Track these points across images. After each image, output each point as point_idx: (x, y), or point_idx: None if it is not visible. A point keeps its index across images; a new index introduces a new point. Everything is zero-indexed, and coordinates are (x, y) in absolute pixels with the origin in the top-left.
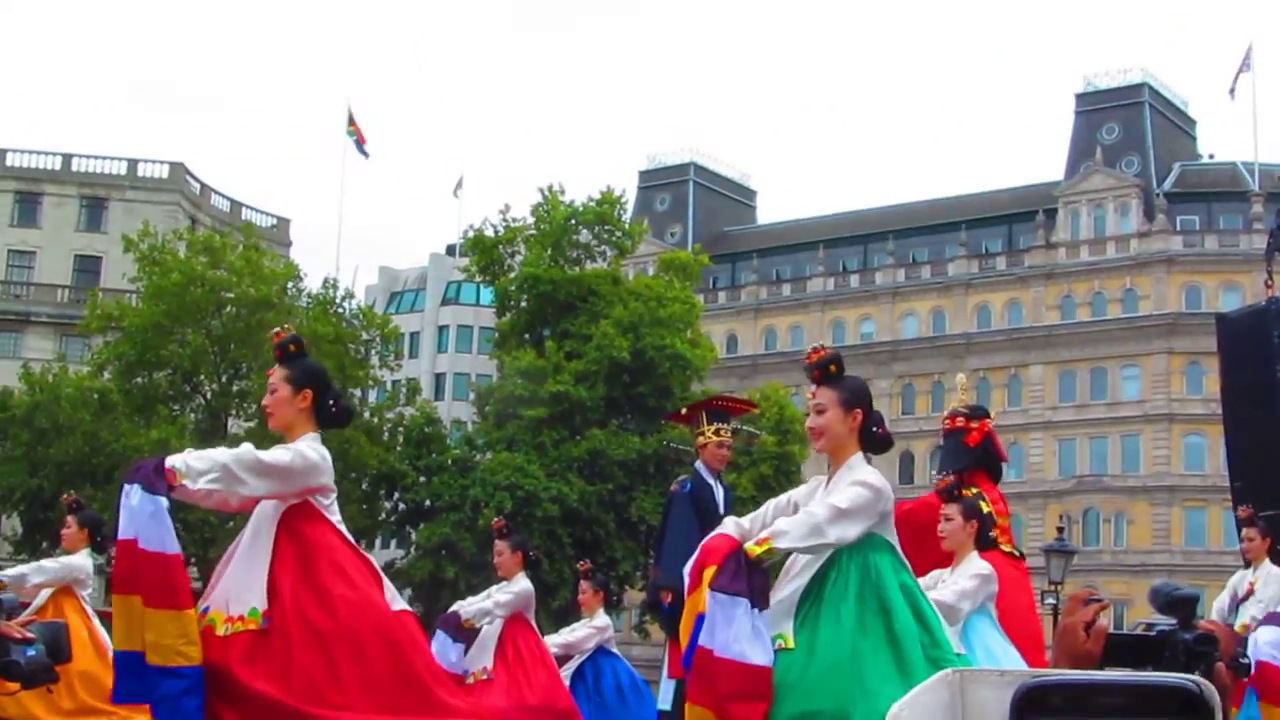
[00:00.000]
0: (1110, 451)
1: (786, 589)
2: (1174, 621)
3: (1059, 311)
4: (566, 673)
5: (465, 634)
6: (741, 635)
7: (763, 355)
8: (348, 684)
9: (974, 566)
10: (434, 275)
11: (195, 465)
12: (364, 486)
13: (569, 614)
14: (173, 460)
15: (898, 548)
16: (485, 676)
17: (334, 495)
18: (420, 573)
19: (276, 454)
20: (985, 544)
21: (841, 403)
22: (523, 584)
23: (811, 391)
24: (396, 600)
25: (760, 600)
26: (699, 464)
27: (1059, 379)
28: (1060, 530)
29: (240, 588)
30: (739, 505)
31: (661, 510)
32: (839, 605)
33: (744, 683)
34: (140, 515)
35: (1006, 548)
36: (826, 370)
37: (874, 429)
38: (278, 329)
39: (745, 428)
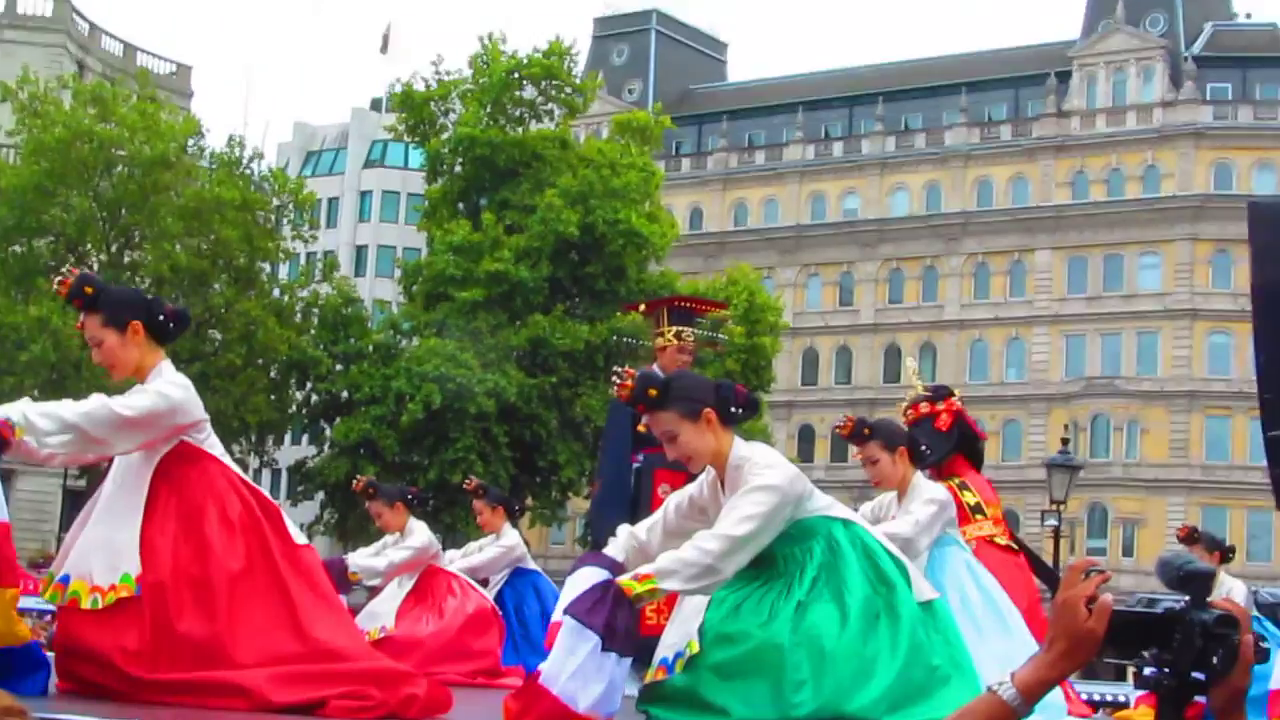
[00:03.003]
0: (1124, 350)
1: (694, 600)
2: (1184, 598)
3: (1070, 189)
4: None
5: (348, 585)
6: (578, 674)
7: (731, 233)
8: (237, 643)
9: (926, 492)
10: (356, 133)
11: (40, 424)
12: (271, 375)
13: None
14: (9, 412)
15: (830, 508)
16: (381, 634)
17: (208, 426)
18: (335, 474)
19: (135, 401)
20: (922, 461)
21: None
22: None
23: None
24: (297, 535)
25: (619, 645)
26: (654, 368)
27: (1068, 266)
28: (1065, 440)
29: (107, 551)
30: None
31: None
32: (781, 603)
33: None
34: None
35: (1002, 539)
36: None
37: (732, 408)
38: (60, 276)
39: (711, 334)
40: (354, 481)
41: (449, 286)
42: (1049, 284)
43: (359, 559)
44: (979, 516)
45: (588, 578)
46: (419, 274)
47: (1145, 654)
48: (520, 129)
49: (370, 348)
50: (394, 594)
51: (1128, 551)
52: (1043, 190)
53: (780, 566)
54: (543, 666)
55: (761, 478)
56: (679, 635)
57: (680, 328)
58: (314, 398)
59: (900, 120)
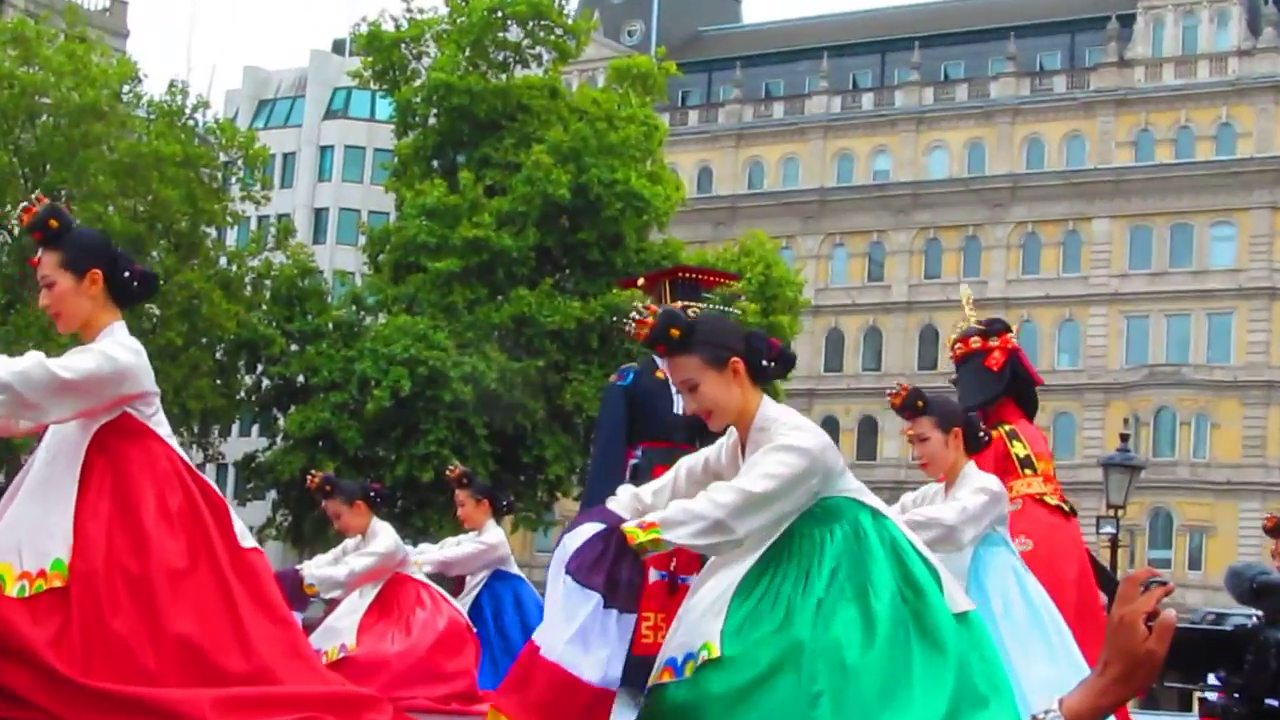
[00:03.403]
0: (1193, 334)
1: (714, 585)
2: (1257, 614)
3: (1132, 150)
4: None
5: (303, 599)
6: (579, 639)
7: (745, 196)
8: (174, 654)
9: (977, 480)
10: (315, 80)
11: None
12: (218, 356)
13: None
14: None
15: (862, 494)
16: (341, 654)
17: (157, 401)
18: (289, 469)
19: (77, 362)
20: (977, 447)
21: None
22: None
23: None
24: (245, 537)
25: (621, 600)
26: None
27: (1129, 238)
28: (1124, 437)
29: (37, 532)
30: None
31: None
32: (798, 603)
33: (560, 698)
34: None
35: (1052, 500)
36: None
37: (764, 361)
38: (26, 203)
39: (722, 309)
40: (309, 477)
41: (421, 256)
42: (1107, 257)
43: (316, 568)
44: (1028, 472)
45: (586, 533)
46: (386, 241)
47: (1212, 678)
48: (504, 76)
49: (330, 326)
50: (354, 606)
51: (1194, 564)
52: (1101, 151)
53: (797, 546)
54: (538, 634)
55: (789, 438)
56: (693, 633)
57: (686, 303)
58: (265, 382)
59: (939, 69)
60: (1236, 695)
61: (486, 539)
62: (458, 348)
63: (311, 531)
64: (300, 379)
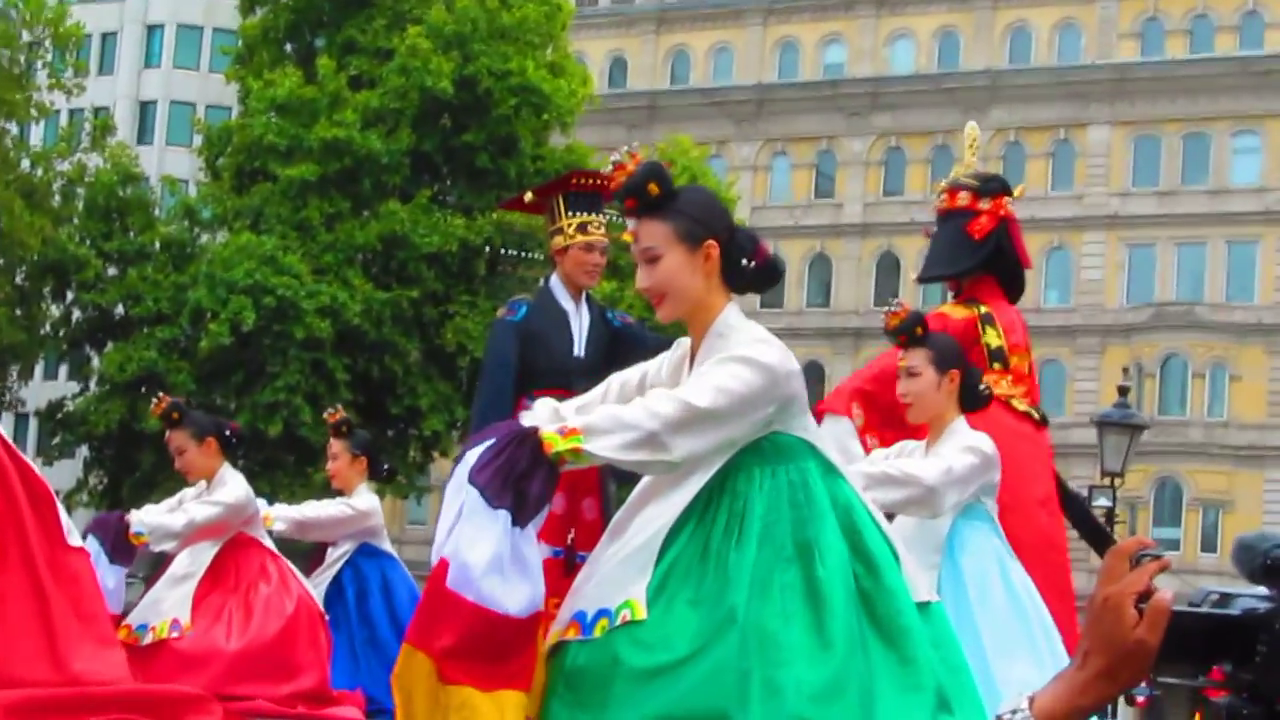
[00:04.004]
0: (1209, 266)
1: (641, 526)
2: (1271, 595)
3: (1137, 42)
4: (319, 588)
5: (128, 551)
6: (494, 567)
7: (667, 93)
8: None
9: (966, 438)
10: None
11: None
12: (18, 281)
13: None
14: None
15: (818, 441)
16: (175, 633)
17: None
18: (105, 420)
19: None
20: (974, 403)
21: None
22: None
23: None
24: (72, 534)
25: (529, 514)
26: (552, 277)
27: (1133, 149)
28: (1124, 390)
29: None
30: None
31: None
32: (730, 559)
33: (481, 639)
34: None
35: (1021, 404)
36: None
37: (743, 260)
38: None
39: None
40: (154, 401)
41: (269, 160)
42: (1105, 172)
43: (149, 515)
44: (997, 367)
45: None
46: (227, 142)
47: (1216, 672)
48: None
49: (157, 245)
50: (186, 571)
51: (1208, 545)
52: (1100, 43)
53: (731, 484)
54: (449, 565)
55: (750, 349)
56: (610, 585)
57: (585, 217)
58: (76, 314)
59: None
60: (1245, 694)
61: (357, 504)
62: (313, 273)
63: (131, 496)
64: (119, 310)
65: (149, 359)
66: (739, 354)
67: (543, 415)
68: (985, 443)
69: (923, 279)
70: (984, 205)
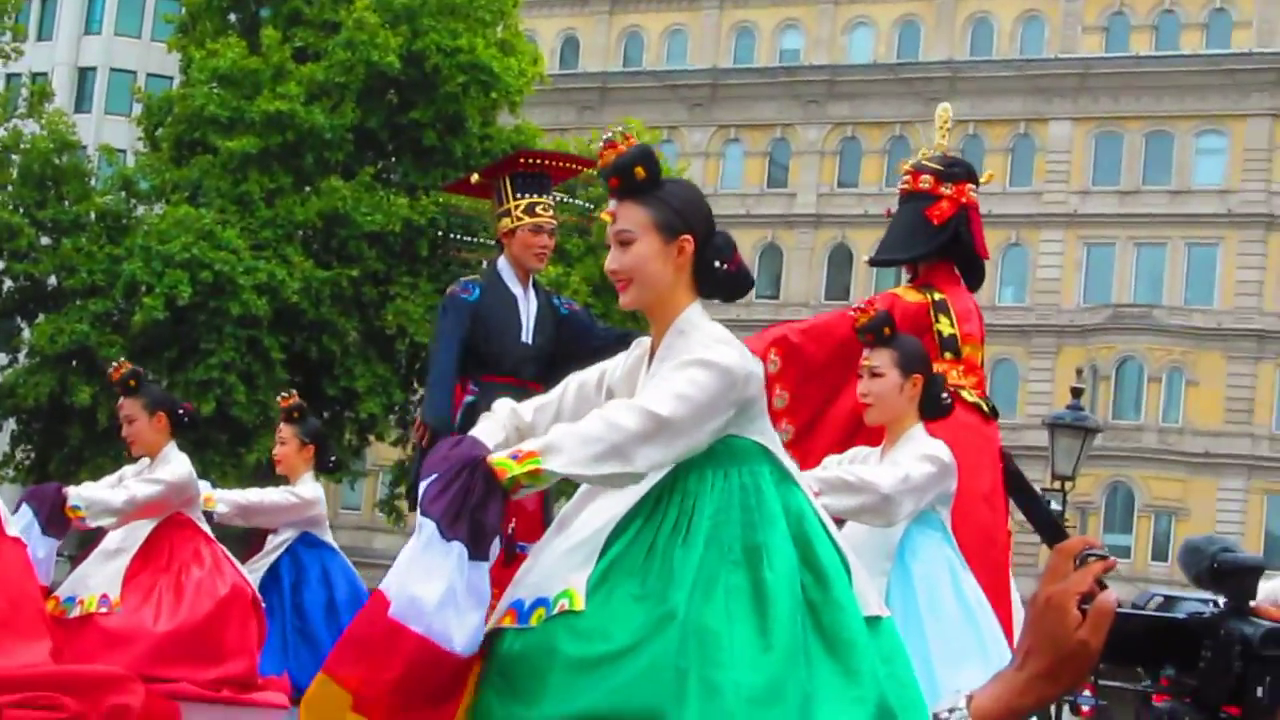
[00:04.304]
0: (1169, 268)
1: (588, 519)
2: (1217, 600)
3: (1101, 37)
4: (256, 575)
5: (61, 525)
6: (447, 602)
7: (619, 74)
8: None
9: (924, 445)
10: None
11: None
12: None
13: (275, 478)
14: None
15: (772, 446)
16: (104, 609)
17: None
18: (36, 393)
19: None
20: (935, 411)
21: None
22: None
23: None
24: (8, 524)
25: (486, 547)
26: (500, 260)
27: (1094, 146)
28: (1077, 392)
29: None
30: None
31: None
32: (676, 557)
33: (426, 673)
34: None
35: (971, 395)
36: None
37: (716, 262)
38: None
39: (585, 207)
40: (113, 367)
41: (209, 132)
42: (1065, 169)
43: (88, 490)
44: (948, 356)
45: (458, 451)
46: (167, 112)
47: (1158, 676)
48: None
49: (92, 215)
50: (119, 547)
51: (1160, 554)
52: (1064, 37)
53: (681, 484)
54: (390, 591)
55: (709, 351)
56: (550, 575)
57: (534, 199)
58: (7, 284)
59: None
60: (1188, 700)
61: (302, 492)
62: (251, 249)
63: (59, 471)
64: (52, 281)
65: (81, 332)
66: (697, 357)
67: (500, 419)
68: (943, 451)
69: (875, 261)
70: (946, 190)
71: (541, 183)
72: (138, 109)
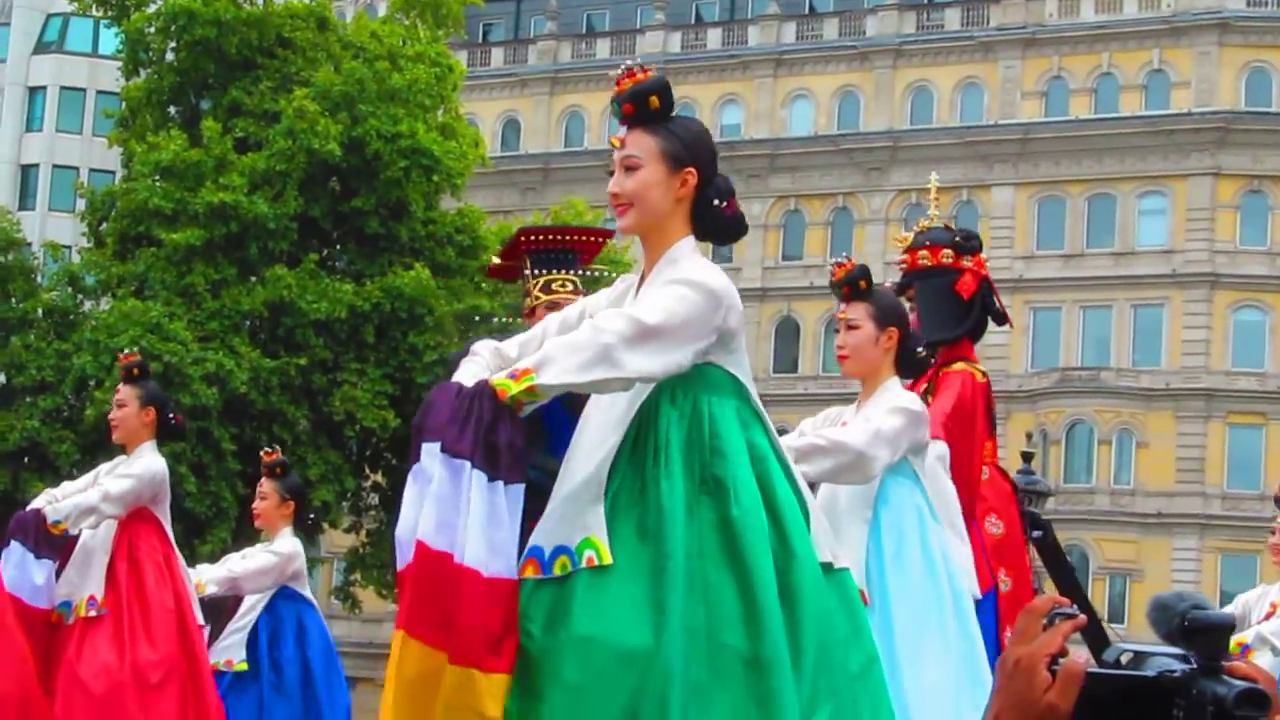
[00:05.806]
0: (1116, 330)
1: (584, 457)
2: (1187, 656)
3: (1041, 102)
4: (239, 635)
5: (52, 544)
6: (477, 532)
7: (561, 155)
8: None
9: (895, 397)
10: (22, 3)
11: None
12: None
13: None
14: None
15: (746, 382)
16: (93, 612)
17: None
18: None
19: None
20: (911, 368)
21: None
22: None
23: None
24: None
25: (506, 468)
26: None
27: (1037, 210)
28: (1027, 456)
29: None
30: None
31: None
32: (662, 490)
33: (488, 606)
34: None
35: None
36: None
37: (715, 200)
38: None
39: (605, 274)
40: (123, 354)
41: (153, 225)
42: (1009, 235)
43: (64, 502)
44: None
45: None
46: (111, 207)
47: None
48: (260, 3)
49: (39, 312)
50: (95, 545)
51: (1116, 615)
52: (1003, 102)
53: (659, 408)
54: (422, 532)
55: (695, 273)
56: (567, 522)
57: (551, 275)
58: None
59: None
60: None
61: (279, 548)
62: (198, 340)
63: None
64: (1, 379)
65: (31, 428)
66: (685, 276)
67: (484, 360)
68: (913, 401)
69: (927, 345)
70: (967, 263)
71: (560, 259)
72: (81, 205)
